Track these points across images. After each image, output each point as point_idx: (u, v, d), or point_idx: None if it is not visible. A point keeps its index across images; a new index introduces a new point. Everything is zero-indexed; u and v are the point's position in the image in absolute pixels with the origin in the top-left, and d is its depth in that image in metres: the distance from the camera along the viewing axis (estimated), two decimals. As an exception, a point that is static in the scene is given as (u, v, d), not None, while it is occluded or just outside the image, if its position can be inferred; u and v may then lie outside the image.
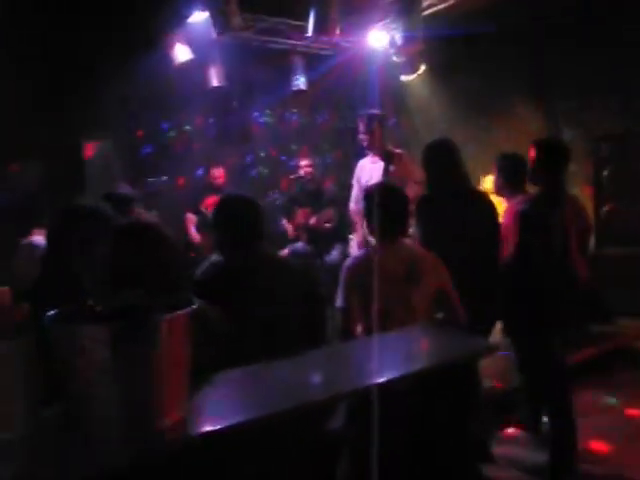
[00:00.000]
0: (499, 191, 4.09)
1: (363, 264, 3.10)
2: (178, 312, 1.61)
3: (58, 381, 1.57)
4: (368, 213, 3.21)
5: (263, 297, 2.57)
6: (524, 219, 3.59)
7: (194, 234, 6.38)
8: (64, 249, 2.39)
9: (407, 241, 3.28)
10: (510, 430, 4.08)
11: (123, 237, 2.10)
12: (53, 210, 2.77)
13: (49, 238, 2.50)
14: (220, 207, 2.80)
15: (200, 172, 7.18)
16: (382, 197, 3.13)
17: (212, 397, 1.93)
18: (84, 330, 1.55)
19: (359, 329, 3.04)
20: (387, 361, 2.18)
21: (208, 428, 1.69)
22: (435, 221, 3.61)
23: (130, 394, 1.56)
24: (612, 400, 4.49)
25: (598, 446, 3.87)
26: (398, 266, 3.00)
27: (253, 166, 7.89)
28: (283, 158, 7.94)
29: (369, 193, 3.27)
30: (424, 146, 3.83)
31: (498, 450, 3.80)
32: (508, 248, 3.65)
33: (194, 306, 1.65)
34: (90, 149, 6.56)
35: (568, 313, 3.64)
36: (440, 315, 3.08)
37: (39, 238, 3.90)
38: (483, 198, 3.79)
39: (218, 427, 1.69)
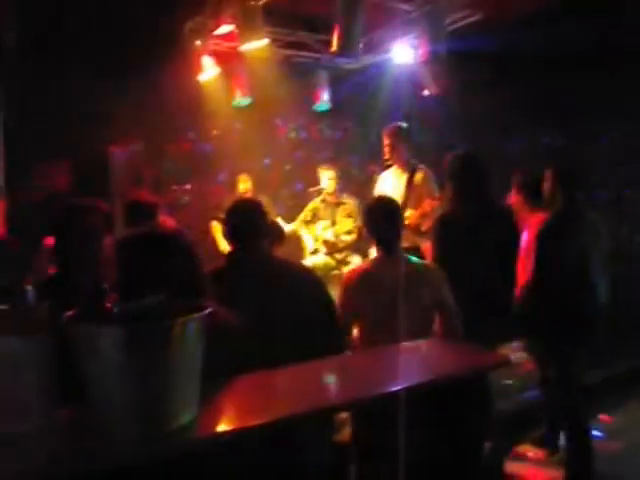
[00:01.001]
0: (519, 208, 4.05)
1: (360, 276, 3.14)
2: (192, 315, 1.64)
3: (75, 380, 1.61)
4: (368, 226, 3.27)
5: (263, 294, 2.61)
6: (542, 239, 3.58)
7: (224, 243, 6.37)
8: (69, 244, 2.47)
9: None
10: (526, 448, 4.05)
11: (143, 243, 2.15)
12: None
13: (55, 234, 2.56)
14: (229, 207, 2.93)
15: (226, 181, 7.25)
16: (381, 210, 3.19)
17: (224, 400, 1.96)
18: (100, 330, 1.59)
19: (355, 340, 3.08)
20: (398, 372, 2.19)
21: (219, 430, 1.72)
22: (457, 241, 3.56)
23: (143, 395, 1.60)
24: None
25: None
26: (396, 278, 3.02)
27: (275, 176, 7.96)
28: (305, 169, 8.00)
29: (368, 207, 3.33)
30: (452, 157, 3.77)
31: (513, 468, 3.78)
32: (529, 266, 3.63)
33: (208, 310, 1.69)
34: (117, 155, 6.68)
35: (587, 333, 3.63)
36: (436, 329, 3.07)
37: None
38: (508, 216, 3.75)
39: (229, 429, 1.72)
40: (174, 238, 2.24)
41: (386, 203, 3.30)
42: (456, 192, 3.69)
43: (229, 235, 2.88)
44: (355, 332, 3.10)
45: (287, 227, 5.99)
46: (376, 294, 2.99)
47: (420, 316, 3.01)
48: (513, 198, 4.15)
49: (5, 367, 1.58)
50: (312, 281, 2.90)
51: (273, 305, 2.60)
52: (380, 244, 3.19)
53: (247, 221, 2.81)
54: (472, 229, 3.51)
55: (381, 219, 3.19)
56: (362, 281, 3.10)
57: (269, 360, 2.20)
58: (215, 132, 7.55)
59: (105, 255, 2.45)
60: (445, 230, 3.62)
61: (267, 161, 7.85)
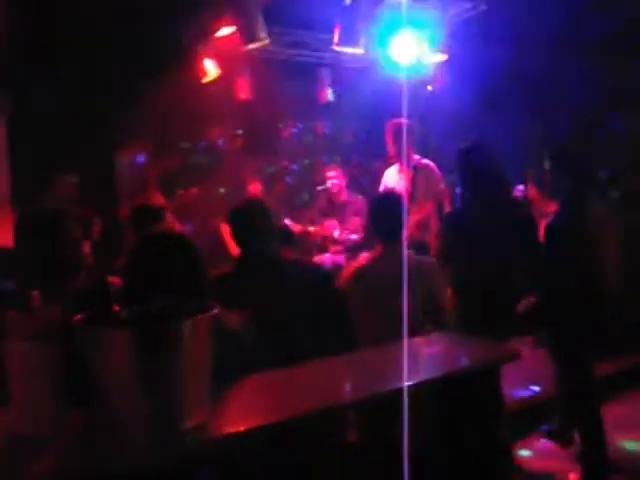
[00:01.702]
0: (533, 202, 4.01)
1: (356, 272, 3.17)
2: (200, 316, 1.64)
3: (86, 383, 1.62)
4: (370, 219, 3.27)
5: (273, 294, 2.61)
6: (549, 233, 3.55)
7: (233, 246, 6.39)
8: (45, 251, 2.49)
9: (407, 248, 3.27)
10: (540, 441, 4.03)
11: (148, 245, 2.15)
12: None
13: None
14: (234, 210, 2.92)
15: (232, 184, 7.25)
16: (382, 204, 3.20)
17: (235, 401, 1.96)
18: (109, 333, 1.60)
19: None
20: (409, 367, 2.18)
21: (230, 431, 1.72)
22: (465, 237, 3.52)
23: (153, 397, 1.60)
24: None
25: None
26: (393, 273, 2.99)
27: (282, 178, 7.96)
28: (310, 170, 8.00)
29: (372, 201, 3.33)
30: (459, 151, 3.67)
31: (527, 461, 3.76)
32: None
33: (216, 310, 1.68)
34: (124, 160, 6.70)
35: (598, 326, 3.60)
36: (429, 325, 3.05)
37: None
38: (520, 209, 3.70)
39: (240, 430, 1.71)
40: (177, 238, 2.25)
41: (388, 197, 3.31)
42: (463, 186, 3.65)
43: (236, 237, 2.87)
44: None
45: (294, 227, 6.00)
46: (372, 289, 2.99)
47: (416, 310, 2.99)
48: (529, 191, 4.12)
49: (17, 372, 1.59)
50: (323, 279, 2.90)
51: (283, 305, 2.59)
52: (380, 237, 3.18)
53: (253, 222, 2.80)
54: (478, 223, 3.48)
55: (381, 212, 3.20)
56: (358, 277, 3.12)
57: (280, 360, 2.20)
58: (219, 135, 7.55)
59: (84, 261, 2.48)
60: (450, 224, 3.60)
61: (273, 162, 7.85)
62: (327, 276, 2.99)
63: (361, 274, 3.12)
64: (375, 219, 3.25)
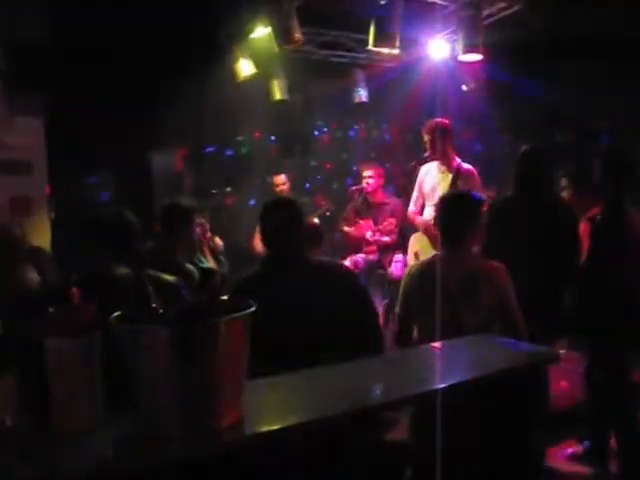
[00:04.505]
0: (574, 201, 3.97)
1: (420, 272, 3.06)
2: (237, 314, 1.65)
3: (122, 379, 1.64)
4: (435, 218, 3.22)
5: (297, 296, 2.60)
6: (593, 235, 3.51)
7: (257, 245, 6.47)
8: None
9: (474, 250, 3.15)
10: (574, 445, 3.96)
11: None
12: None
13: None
14: (261, 210, 2.87)
15: (266, 183, 7.28)
16: (448, 205, 3.13)
17: (269, 398, 1.97)
18: (147, 330, 1.61)
19: (414, 336, 3.02)
20: (447, 368, 2.17)
21: (265, 429, 1.72)
22: (507, 230, 3.56)
23: (189, 393, 1.61)
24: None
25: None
26: (454, 276, 2.93)
27: (316, 178, 7.97)
28: (345, 169, 7.99)
29: (440, 201, 3.25)
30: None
31: (562, 465, 3.71)
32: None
33: (253, 309, 1.69)
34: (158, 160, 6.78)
35: (637, 331, 3.54)
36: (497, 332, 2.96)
37: None
38: (564, 208, 3.72)
39: (275, 428, 1.72)
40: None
41: (454, 196, 3.23)
42: (514, 183, 3.75)
43: (263, 238, 2.85)
44: (414, 334, 3.02)
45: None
46: (434, 291, 2.83)
47: (479, 315, 2.89)
48: (567, 191, 4.10)
49: (55, 368, 1.61)
50: (348, 281, 2.86)
51: (307, 307, 2.59)
52: (443, 237, 3.09)
53: (282, 222, 2.77)
54: (522, 220, 3.55)
55: (446, 211, 3.10)
56: (419, 278, 3.01)
57: (306, 360, 2.19)
58: (254, 134, 7.59)
59: None
60: (492, 218, 3.61)
61: (307, 161, 7.86)
62: (352, 276, 2.94)
63: (422, 276, 3.01)
64: (439, 216, 3.17)
